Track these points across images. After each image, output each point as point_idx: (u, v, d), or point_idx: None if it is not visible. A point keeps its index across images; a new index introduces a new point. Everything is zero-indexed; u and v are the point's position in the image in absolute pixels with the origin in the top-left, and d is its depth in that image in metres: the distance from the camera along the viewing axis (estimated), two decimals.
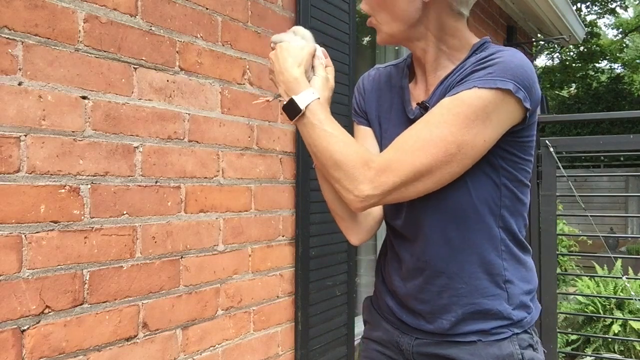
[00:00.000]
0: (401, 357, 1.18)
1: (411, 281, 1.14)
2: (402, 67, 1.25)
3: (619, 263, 5.53)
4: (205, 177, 1.90)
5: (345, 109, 2.41)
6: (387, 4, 1.10)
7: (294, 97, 1.06)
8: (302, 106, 1.06)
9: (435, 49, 1.12)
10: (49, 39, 1.42)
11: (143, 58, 1.67)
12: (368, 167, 1.01)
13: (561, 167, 2.80)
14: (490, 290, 1.09)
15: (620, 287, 4.92)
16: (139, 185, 1.66)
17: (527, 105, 1.01)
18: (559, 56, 17.30)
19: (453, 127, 0.98)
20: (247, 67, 2.09)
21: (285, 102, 1.08)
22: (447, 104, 1.01)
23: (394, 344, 1.18)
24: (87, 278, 1.50)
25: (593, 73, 16.99)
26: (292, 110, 1.07)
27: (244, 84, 2.07)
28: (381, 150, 1.17)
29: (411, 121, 1.09)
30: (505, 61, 1.00)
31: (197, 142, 1.86)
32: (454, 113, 0.99)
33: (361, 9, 1.16)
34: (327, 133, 1.05)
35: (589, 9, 17.71)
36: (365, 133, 1.26)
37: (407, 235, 1.14)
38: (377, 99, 1.25)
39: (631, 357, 4.35)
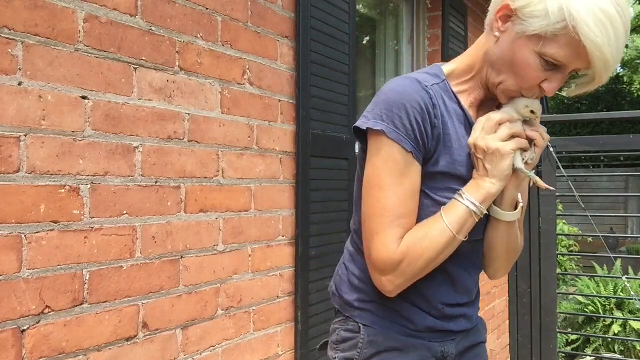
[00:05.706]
0: None
1: (465, 293, 1.26)
2: (446, 88, 1.13)
3: (618, 263, 5.54)
4: (205, 177, 1.90)
5: (344, 109, 2.41)
6: None
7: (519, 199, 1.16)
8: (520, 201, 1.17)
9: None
10: (49, 39, 1.42)
11: (143, 58, 1.67)
12: None
13: (561, 167, 2.80)
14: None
15: (620, 287, 4.93)
16: (139, 185, 1.66)
17: None
18: None
19: None
20: (247, 67, 2.09)
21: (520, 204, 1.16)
22: None
23: (437, 355, 1.24)
24: (87, 278, 1.50)
25: None
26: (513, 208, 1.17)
27: (244, 84, 2.07)
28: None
29: None
30: None
31: (197, 142, 1.86)
32: None
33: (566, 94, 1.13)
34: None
35: None
36: (419, 176, 1.09)
37: (471, 254, 1.24)
38: (443, 127, 1.10)
39: (631, 357, 4.35)
